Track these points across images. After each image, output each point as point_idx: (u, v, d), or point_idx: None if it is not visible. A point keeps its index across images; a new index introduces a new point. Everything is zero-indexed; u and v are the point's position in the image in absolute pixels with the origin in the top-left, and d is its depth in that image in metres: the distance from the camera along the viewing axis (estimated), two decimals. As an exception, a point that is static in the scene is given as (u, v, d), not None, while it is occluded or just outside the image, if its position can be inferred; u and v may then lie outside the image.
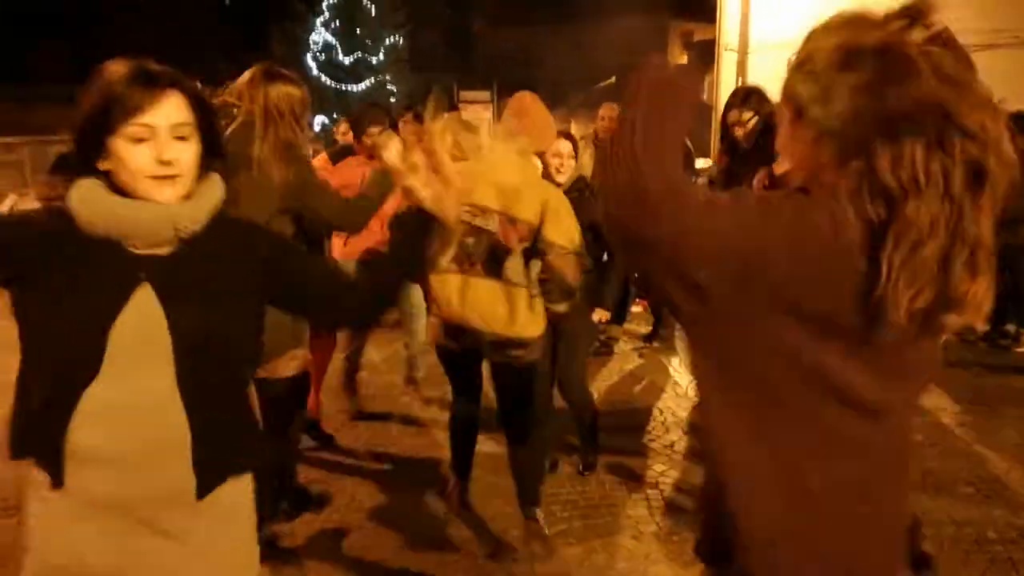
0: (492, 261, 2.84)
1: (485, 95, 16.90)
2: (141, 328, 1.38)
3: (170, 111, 1.41)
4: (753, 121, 3.74)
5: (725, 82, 9.81)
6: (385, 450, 4.18)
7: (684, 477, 3.83)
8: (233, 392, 1.53)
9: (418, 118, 6.75)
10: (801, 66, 1.09)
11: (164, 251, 1.44)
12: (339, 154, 4.61)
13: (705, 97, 10.74)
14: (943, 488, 3.69)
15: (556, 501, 3.59)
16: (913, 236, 0.99)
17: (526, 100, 3.13)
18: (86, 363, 1.35)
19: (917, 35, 1.02)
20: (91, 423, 1.36)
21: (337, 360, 4.53)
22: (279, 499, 3.15)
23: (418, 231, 1.57)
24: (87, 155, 1.41)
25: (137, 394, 1.38)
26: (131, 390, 1.38)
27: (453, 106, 10.23)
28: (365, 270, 1.54)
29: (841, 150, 1.05)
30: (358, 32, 26.89)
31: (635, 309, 6.69)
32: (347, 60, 26.74)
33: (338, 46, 26.73)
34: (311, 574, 3.04)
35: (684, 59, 17.57)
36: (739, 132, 3.77)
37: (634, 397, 4.99)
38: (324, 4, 26.45)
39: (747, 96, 3.83)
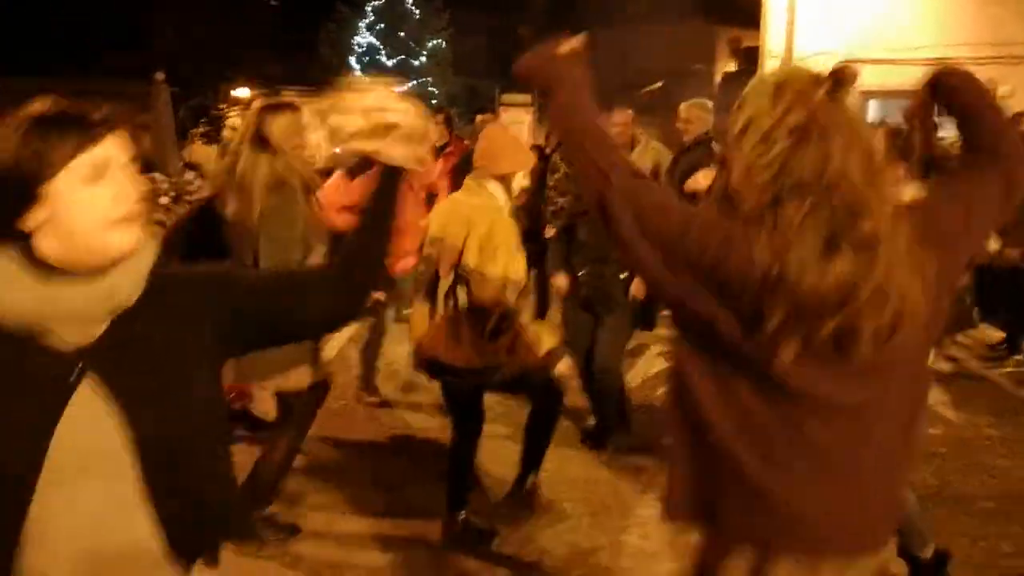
0: (429, 288, 3.00)
1: (526, 98, 16.90)
2: (91, 436, 1.13)
3: (122, 143, 1.16)
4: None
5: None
6: (404, 433, 4.27)
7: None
8: (208, 468, 1.27)
9: (448, 120, 6.85)
10: (745, 128, 1.34)
11: (96, 334, 1.15)
12: (358, 168, 4.30)
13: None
14: (961, 502, 3.65)
15: (567, 499, 3.63)
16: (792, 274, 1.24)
17: (489, 128, 3.44)
18: (22, 482, 1.11)
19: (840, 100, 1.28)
20: (41, 545, 1.13)
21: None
22: (274, 489, 3.21)
23: (386, 185, 1.34)
24: (7, 215, 1.09)
25: (92, 504, 1.14)
26: (84, 501, 1.14)
27: (494, 109, 10.36)
28: (339, 246, 1.43)
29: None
30: (401, 35, 27.24)
31: (665, 312, 6.67)
32: (390, 62, 27.07)
33: (381, 48, 27.11)
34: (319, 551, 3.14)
35: (732, 65, 17.55)
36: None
37: (655, 399, 4.99)
38: (368, 7, 26.86)
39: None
